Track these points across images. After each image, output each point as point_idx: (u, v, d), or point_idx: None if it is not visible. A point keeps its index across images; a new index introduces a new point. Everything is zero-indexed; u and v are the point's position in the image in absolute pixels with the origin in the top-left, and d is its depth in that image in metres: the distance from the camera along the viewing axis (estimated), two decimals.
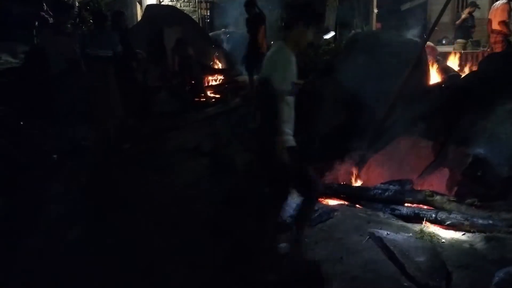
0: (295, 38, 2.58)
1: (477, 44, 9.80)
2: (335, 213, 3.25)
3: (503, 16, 6.48)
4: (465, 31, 9.31)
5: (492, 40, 6.88)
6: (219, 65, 9.02)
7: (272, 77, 2.51)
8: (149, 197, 3.75)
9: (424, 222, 3.17)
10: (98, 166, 4.26)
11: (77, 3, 10.02)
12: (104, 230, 3.20)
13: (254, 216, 3.22)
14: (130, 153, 4.89)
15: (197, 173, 4.28)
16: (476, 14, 11.91)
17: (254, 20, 6.41)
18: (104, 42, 4.83)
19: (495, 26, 6.61)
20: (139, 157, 4.77)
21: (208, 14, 14.70)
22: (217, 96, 7.56)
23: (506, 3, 6.48)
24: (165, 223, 3.30)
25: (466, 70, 6.37)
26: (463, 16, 9.39)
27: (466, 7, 12.16)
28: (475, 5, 9.23)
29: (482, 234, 2.81)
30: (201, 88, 7.08)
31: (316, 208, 3.40)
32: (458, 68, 6.77)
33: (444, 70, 5.91)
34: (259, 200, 3.41)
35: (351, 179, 4.30)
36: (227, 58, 9.39)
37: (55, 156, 4.22)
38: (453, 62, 7.05)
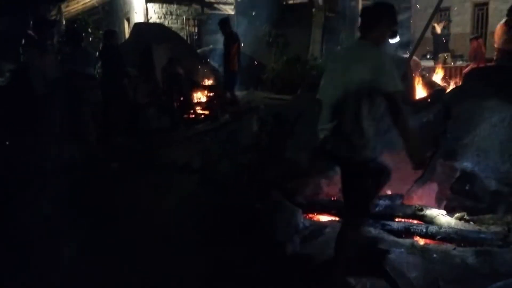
0: (376, 38, 2.44)
1: (460, 58, 10.07)
2: (326, 230, 3.25)
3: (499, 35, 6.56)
4: (443, 44, 9.60)
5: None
6: (207, 81, 9.06)
7: (382, 81, 2.27)
8: (139, 215, 3.70)
9: (414, 237, 3.20)
10: (86, 185, 4.20)
11: (64, 20, 10.04)
12: (93, 247, 3.15)
13: (246, 233, 3.21)
14: (119, 171, 4.83)
15: (188, 190, 4.25)
16: (458, 29, 12.30)
17: (227, 39, 6.57)
18: (79, 60, 4.84)
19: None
20: (128, 174, 4.72)
21: (196, 31, 14.85)
22: (206, 112, 7.57)
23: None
24: (155, 241, 3.25)
25: (451, 84, 6.51)
26: (438, 30, 9.70)
27: (440, 21, 12.53)
28: (448, 20, 9.62)
29: (473, 248, 2.82)
30: (190, 104, 7.09)
31: (307, 225, 3.41)
32: (443, 82, 6.92)
33: (430, 84, 6.03)
34: (251, 216, 3.40)
35: (340, 194, 4.31)
36: (215, 74, 9.44)
37: (42, 174, 4.15)
38: (437, 76, 7.20)
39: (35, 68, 4.46)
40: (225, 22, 6.73)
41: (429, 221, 3.25)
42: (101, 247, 3.19)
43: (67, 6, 10.48)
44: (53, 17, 9.03)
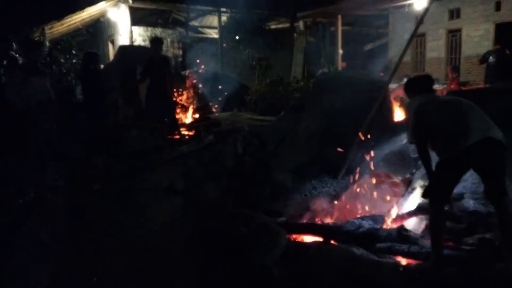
0: None
1: (436, 81, 10.45)
2: (311, 252, 3.26)
3: None
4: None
5: None
6: (192, 102, 9.11)
7: (496, 132, 2.69)
8: (121, 239, 3.65)
9: (397, 257, 3.25)
10: (68, 206, 4.14)
11: (47, 42, 10.01)
12: (75, 272, 3.09)
13: (230, 256, 3.19)
14: (101, 193, 4.77)
15: (171, 212, 4.22)
16: (434, 54, 12.79)
17: (162, 61, 6.32)
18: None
19: None
20: (110, 197, 4.66)
21: (181, 53, 14.99)
22: (191, 133, 7.58)
23: None
24: (137, 264, 3.21)
25: None
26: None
27: (423, 46, 13.06)
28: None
29: (453, 268, 2.88)
30: (175, 126, 7.09)
31: (291, 246, 3.42)
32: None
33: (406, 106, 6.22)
34: (235, 239, 3.39)
35: (324, 214, 4.36)
36: (199, 96, 9.52)
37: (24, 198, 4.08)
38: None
39: (16, 90, 4.41)
40: (160, 41, 6.58)
41: (413, 242, 3.31)
42: (82, 270, 3.13)
43: (50, 28, 10.45)
44: (36, 39, 8.99)
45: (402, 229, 3.41)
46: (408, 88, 3.30)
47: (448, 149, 2.73)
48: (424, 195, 3.08)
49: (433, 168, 2.93)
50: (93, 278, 3.01)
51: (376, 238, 3.44)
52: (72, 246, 3.45)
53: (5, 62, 6.00)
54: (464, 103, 2.88)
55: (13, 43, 6.29)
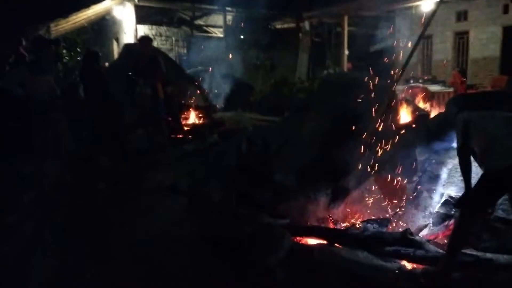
0: None
1: (442, 83, 10.42)
2: (315, 254, 3.24)
3: None
4: None
5: None
6: (196, 102, 9.09)
7: None
8: (125, 238, 3.64)
9: (402, 261, 3.22)
10: (72, 205, 4.14)
11: (51, 39, 10.02)
12: (77, 271, 3.08)
13: (234, 257, 3.18)
14: (106, 192, 4.77)
15: (175, 212, 4.20)
16: (440, 56, 12.72)
17: (151, 61, 6.23)
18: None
19: None
20: (114, 196, 4.66)
21: (185, 52, 14.99)
22: (194, 133, 7.56)
23: None
24: (141, 263, 3.19)
25: (433, 109, 6.70)
26: None
27: (429, 48, 12.99)
28: None
29: (460, 273, 2.85)
30: (180, 125, 7.08)
31: (296, 248, 3.40)
32: (426, 107, 7.10)
33: (414, 109, 6.17)
34: (239, 239, 3.37)
35: (329, 216, 4.33)
36: (204, 95, 9.50)
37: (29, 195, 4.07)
38: (421, 102, 7.39)
39: (18, 83, 4.40)
40: (149, 39, 6.47)
41: (418, 245, 3.27)
42: (84, 269, 3.11)
43: (56, 26, 10.47)
44: (42, 36, 8.99)
45: (407, 233, 3.38)
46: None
47: (493, 162, 2.67)
48: (458, 205, 3.01)
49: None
50: (96, 277, 2.99)
51: (381, 242, 3.41)
52: (75, 245, 3.43)
53: (12, 58, 5.99)
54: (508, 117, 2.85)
55: (23, 40, 6.27)
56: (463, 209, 2.82)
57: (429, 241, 3.36)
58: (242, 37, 13.51)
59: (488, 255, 3.05)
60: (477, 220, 2.85)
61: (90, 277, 3.03)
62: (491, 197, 2.78)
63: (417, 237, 3.35)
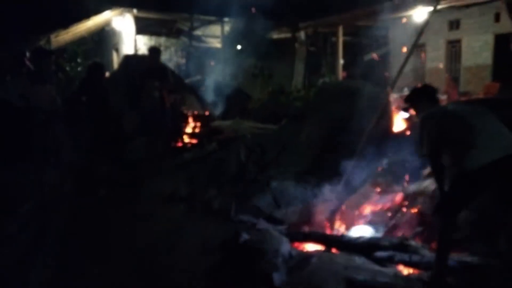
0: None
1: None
2: (312, 260, 3.30)
3: None
4: None
5: None
6: (195, 110, 9.20)
7: None
8: (125, 245, 3.70)
9: (398, 266, 3.30)
10: (73, 212, 4.19)
11: (51, 49, 10.14)
12: (78, 278, 3.13)
13: (233, 263, 3.24)
14: (106, 199, 4.84)
15: (175, 219, 4.28)
16: (433, 64, 12.91)
17: (159, 71, 6.38)
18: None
19: None
20: (114, 203, 4.72)
21: (184, 62, 15.13)
22: (193, 141, 7.66)
23: None
24: (141, 270, 3.26)
25: None
26: None
27: (423, 56, 13.18)
28: None
29: (454, 277, 2.92)
30: (180, 134, 7.18)
31: (294, 254, 3.47)
32: None
33: (408, 117, 6.29)
34: (238, 245, 3.44)
35: (326, 223, 4.42)
36: (202, 104, 9.62)
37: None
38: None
39: (18, 93, 4.44)
40: (157, 50, 6.61)
41: (414, 251, 3.34)
42: (85, 277, 3.17)
43: (56, 36, 10.59)
44: (42, 46, 9.11)
45: (403, 238, 3.46)
46: (415, 98, 3.23)
47: (470, 162, 2.63)
48: (436, 212, 3.03)
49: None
50: (96, 286, 3.04)
51: (377, 247, 3.48)
52: (75, 253, 3.48)
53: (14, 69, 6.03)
54: (485, 115, 2.81)
55: (27, 52, 6.33)
56: (442, 214, 2.84)
57: (424, 246, 3.43)
58: (239, 47, 13.68)
59: (481, 259, 3.13)
60: (454, 223, 2.84)
61: (90, 285, 3.07)
62: (469, 197, 2.81)
63: (412, 243, 3.43)
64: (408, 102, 3.32)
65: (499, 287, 2.80)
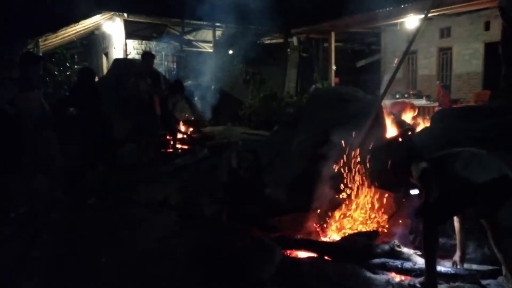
0: None
1: (427, 98, 10.67)
2: (305, 267, 3.27)
3: None
4: None
5: None
6: (186, 116, 9.15)
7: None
8: (116, 254, 3.62)
9: (390, 273, 3.27)
10: (62, 221, 4.10)
11: (41, 54, 10.02)
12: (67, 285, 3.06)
13: (225, 271, 3.19)
14: (96, 207, 4.74)
15: (166, 227, 4.20)
16: (425, 71, 13.04)
17: (152, 76, 6.37)
18: None
19: None
20: (104, 211, 4.64)
21: (175, 66, 15.08)
22: (185, 147, 7.59)
23: None
24: (132, 281, 3.18)
25: (419, 123, 6.85)
26: None
27: (414, 64, 13.32)
28: None
29: (447, 284, 2.92)
30: (172, 140, 7.11)
31: (286, 262, 3.43)
32: (412, 121, 7.25)
33: (399, 123, 6.30)
34: (230, 253, 3.39)
35: (318, 229, 4.37)
36: (193, 109, 9.57)
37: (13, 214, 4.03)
38: (407, 116, 7.54)
39: (6, 100, 4.34)
40: (151, 55, 6.62)
41: (406, 258, 3.33)
42: (75, 285, 3.09)
43: (44, 40, 10.48)
44: (31, 51, 8.99)
45: (395, 245, 3.44)
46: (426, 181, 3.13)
47: (473, 177, 2.77)
48: (420, 214, 3.05)
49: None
50: None
51: (370, 254, 3.46)
52: (65, 261, 3.40)
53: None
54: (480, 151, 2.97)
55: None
56: (425, 220, 2.92)
57: (416, 253, 3.42)
58: (231, 52, 13.68)
59: (473, 266, 3.13)
60: (437, 229, 2.94)
61: None
62: (455, 209, 2.94)
63: (404, 249, 3.42)
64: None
65: None
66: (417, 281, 2.96)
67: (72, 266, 3.35)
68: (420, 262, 3.24)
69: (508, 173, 2.76)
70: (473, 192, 2.78)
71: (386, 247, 3.47)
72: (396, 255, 3.38)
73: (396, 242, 3.45)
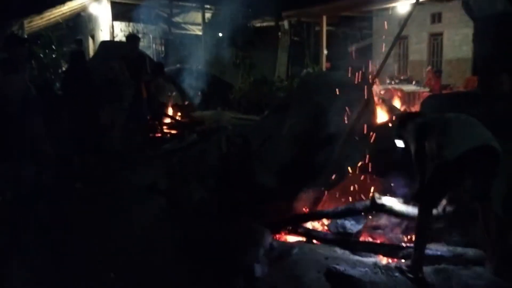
0: None
1: (418, 83, 10.69)
2: (294, 251, 3.30)
3: None
4: None
5: None
6: (174, 100, 9.03)
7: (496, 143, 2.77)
8: (104, 240, 3.59)
9: (377, 256, 3.32)
10: (49, 206, 4.05)
11: (25, 36, 9.75)
12: (55, 274, 3.03)
13: (214, 255, 3.19)
14: (83, 193, 4.69)
15: (154, 212, 4.18)
16: (416, 56, 13.03)
17: (138, 60, 6.26)
18: None
19: None
20: (92, 196, 4.59)
21: (163, 49, 14.83)
22: (173, 132, 7.52)
23: None
24: (119, 265, 3.18)
25: (408, 109, 6.88)
26: None
27: (406, 49, 13.29)
28: None
29: (433, 266, 2.96)
30: (160, 124, 7.03)
31: (275, 245, 3.45)
32: (402, 107, 7.28)
33: (390, 109, 6.30)
34: (219, 238, 3.39)
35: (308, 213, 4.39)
36: (182, 93, 9.44)
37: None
38: (397, 101, 7.57)
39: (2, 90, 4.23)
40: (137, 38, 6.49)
41: (388, 209, 3.39)
42: (62, 273, 3.07)
43: (29, 22, 10.19)
44: (16, 33, 8.74)
45: (375, 198, 3.41)
46: (400, 128, 3.34)
47: (449, 151, 2.78)
48: (415, 198, 3.12)
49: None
50: (73, 282, 2.95)
51: (353, 212, 3.63)
52: (52, 247, 3.36)
53: None
54: (468, 118, 2.98)
55: None
56: (421, 203, 2.95)
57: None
58: (220, 35, 13.47)
59: (458, 249, 3.18)
60: (432, 212, 2.95)
61: (67, 281, 2.98)
62: (447, 187, 2.96)
63: (385, 200, 3.42)
64: (397, 134, 3.39)
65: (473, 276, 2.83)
66: (404, 264, 3.00)
67: (58, 254, 3.31)
68: (403, 210, 3.33)
69: (495, 145, 2.74)
70: (453, 166, 2.76)
71: (367, 202, 3.50)
72: (378, 207, 3.40)
73: (377, 195, 3.45)
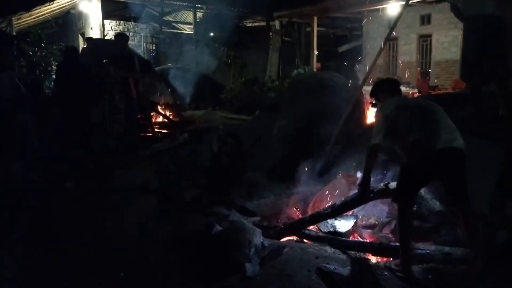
0: None
1: (407, 85, 10.82)
2: (285, 250, 3.32)
3: None
4: None
5: None
6: (165, 100, 9.00)
7: (459, 141, 2.82)
8: (94, 239, 3.58)
9: (368, 255, 3.36)
10: (38, 205, 4.02)
11: (14, 33, 9.62)
12: (45, 273, 3.01)
13: (205, 255, 3.20)
14: (73, 192, 4.66)
15: (145, 212, 4.17)
16: (405, 57, 13.17)
17: (126, 59, 6.23)
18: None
19: None
20: (82, 195, 4.56)
21: (154, 48, 14.76)
22: (164, 131, 7.50)
23: None
24: (109, 264, 3.16)
25: None
26: None
27: (395, 50, 13.43)
28: None
29: (421, 265, 3.01)
30: (149, 123, 6.99)
31: (266, 245, 3.47)
32: None
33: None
34: (210, 237, 3.40)
35: (297, 215, 4.42)
36: (173, 93, 9.42)
37: None
38: None
39: None
40: (125, 36, 6.49)
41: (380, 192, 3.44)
42: (52, 272, 3.05)
43: (18, 19, 10.05)
44: (3, 30, 8.63)
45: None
46: (377, 90, 3.39)
47: (416, 150, 2.83)
48: (394, 199, 3.14)
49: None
50: (64, 280, 2.94)
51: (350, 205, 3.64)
52: (42, 246, 3.34)
53: None
54: (436, 108, 3.00)
55: None
56: (396, 203, 3.00)
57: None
58: (212, 34, 13.46)
59: (446, 248, 3.23)
60: (409, 210, 2.97)
61: (58, 280, 2.96)
62: (413, 187, 2.97)
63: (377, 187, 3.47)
64: (372, 95, 3.46)
65: (461, 274, 2.89)
66: (393, 263, 3.04)
67: (49, 252, 3.28)
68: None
69: (456, 145, 2.76)
70: (424, 162, 2.80)
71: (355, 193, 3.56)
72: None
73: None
